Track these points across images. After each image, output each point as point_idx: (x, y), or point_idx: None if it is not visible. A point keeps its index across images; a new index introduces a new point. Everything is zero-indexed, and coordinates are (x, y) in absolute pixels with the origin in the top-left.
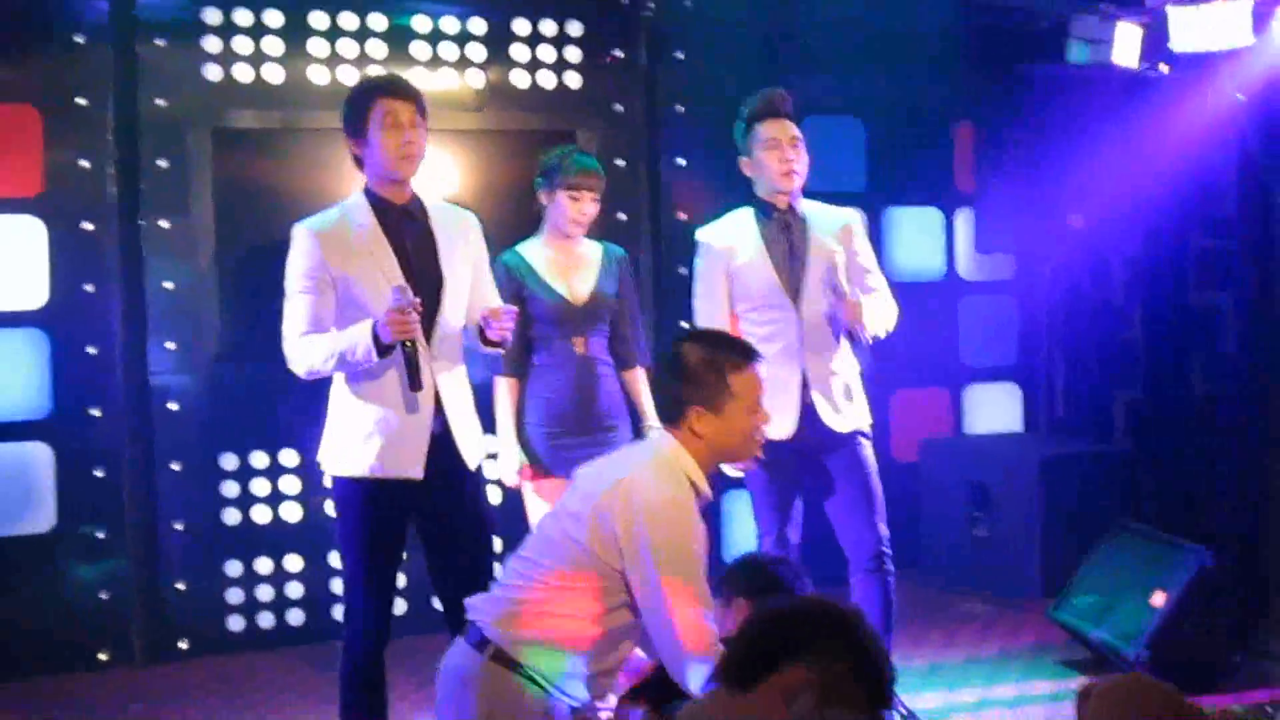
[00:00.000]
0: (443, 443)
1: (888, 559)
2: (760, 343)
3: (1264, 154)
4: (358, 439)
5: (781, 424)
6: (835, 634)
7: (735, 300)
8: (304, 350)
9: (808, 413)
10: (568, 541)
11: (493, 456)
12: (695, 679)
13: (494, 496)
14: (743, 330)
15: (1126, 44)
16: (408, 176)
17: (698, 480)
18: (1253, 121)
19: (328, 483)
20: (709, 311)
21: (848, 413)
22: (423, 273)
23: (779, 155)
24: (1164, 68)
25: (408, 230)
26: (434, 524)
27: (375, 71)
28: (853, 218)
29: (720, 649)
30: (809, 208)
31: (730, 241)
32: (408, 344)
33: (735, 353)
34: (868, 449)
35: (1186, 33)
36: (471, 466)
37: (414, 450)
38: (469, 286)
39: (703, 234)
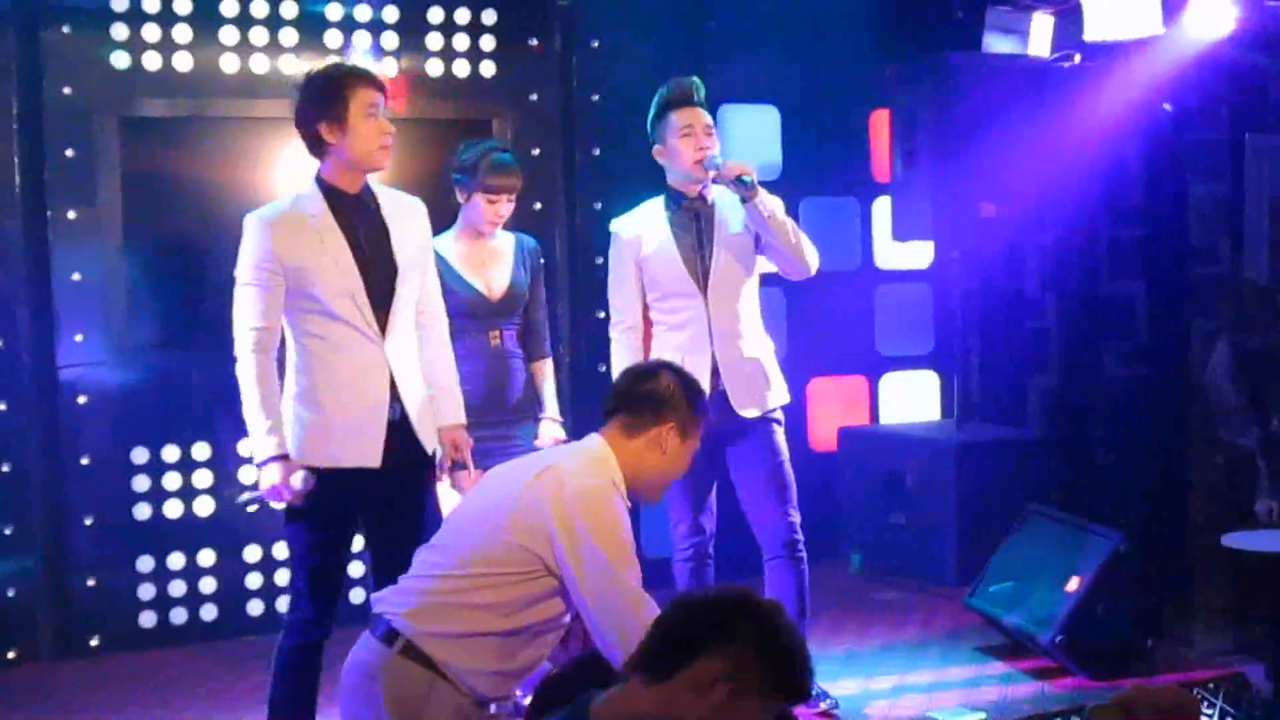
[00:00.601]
0: (400, 430)
1: (799, 546)
2: (670, 331)
3: (1174, 143)
4: (314, 429)
5: None
6: (752, 625)
7: (646, 289)
8: (244, 371)
9: (719, 400)
10: (486, 529)
11: None
12: None
13: None
14: (653, 319)
15: (1040, 34)
16: (382, 167)
17: (620, 485)
18: (1163, 111)
19: None
20: (621, 301)
21: (759, 399)
22: (376, 261)
23: (693, 143)
24: (1077, 57)
25: (360, 218)
26: (385, 514)
27: (288, 60)
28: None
29: None
30: (720, 195)
31: (639, 231)
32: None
33: (703, 399)
34: (779, 436)
35: (1099, 23)
36: (429, 451)
37: (372, 439)
38: (420, 272)
39: (614, 224)
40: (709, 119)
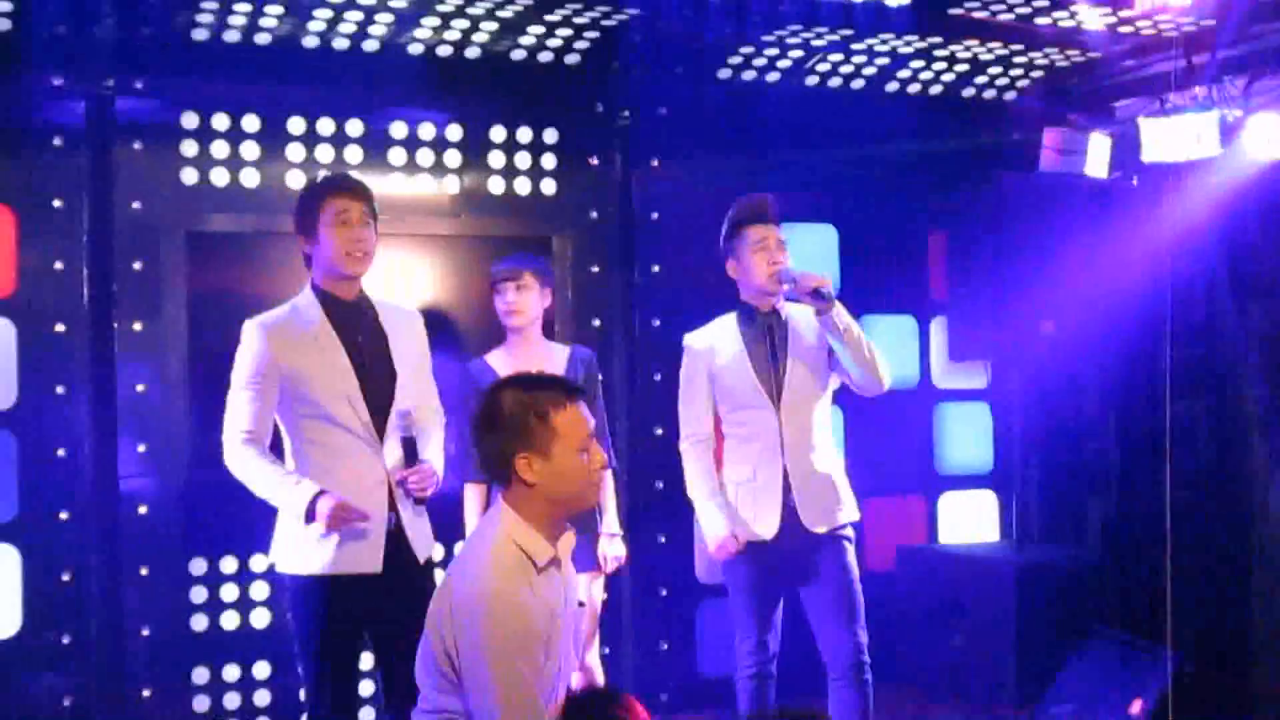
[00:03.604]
0: (397, 539)
1: (866, 668)
2: (742, 444)
3: (1231, 263)
4: (313, 536)
5: (764, 525)
6: None
7: (717, 402)
8: (243, 464)
9: (789, 514)
10: (431, 665)
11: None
12: None
13: None
14: (725, 431)
15: (1098, 155)
16: (358, 274)
17: (532, 547)
18: (1220, 231)
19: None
20: (692, 413)
21: (829, 516)
22: (375, 367)
23: (766, 257)
24: (1134, 179)
25: (358, 325)
26: (386, 623)
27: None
28: None
29: None
30: (793, 309)
31: (712, 343)
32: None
33: (554, 391)
34: (850, 553)
35: (1156, 144)
36: (422, 560)
37: (372, 545)
38: (418, 381)
39: (687, 338)
40: (781, 234)
